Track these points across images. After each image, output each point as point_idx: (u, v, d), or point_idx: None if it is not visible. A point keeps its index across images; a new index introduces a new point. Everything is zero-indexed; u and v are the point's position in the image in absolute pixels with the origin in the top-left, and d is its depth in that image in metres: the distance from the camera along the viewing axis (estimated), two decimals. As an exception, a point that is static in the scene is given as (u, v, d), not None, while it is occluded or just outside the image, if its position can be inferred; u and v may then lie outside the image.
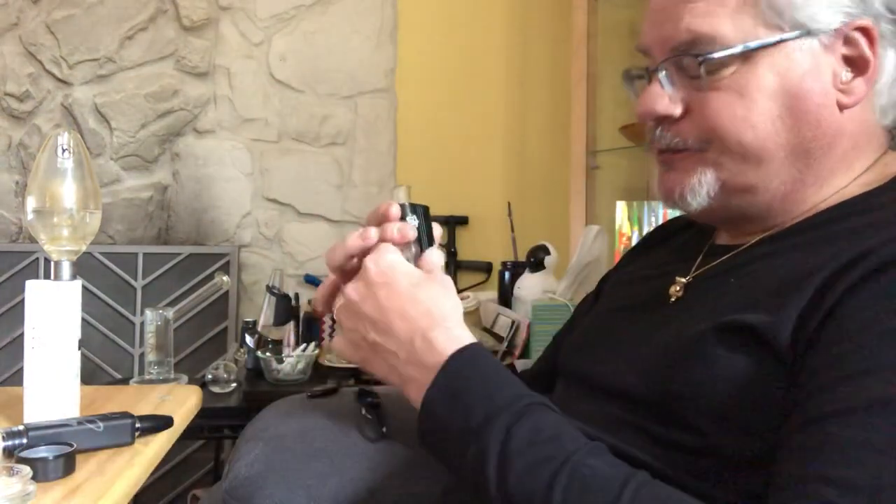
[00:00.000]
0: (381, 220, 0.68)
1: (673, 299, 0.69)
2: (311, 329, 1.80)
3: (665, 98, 0.65)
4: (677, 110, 0.65)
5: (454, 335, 0.60)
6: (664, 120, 0.66)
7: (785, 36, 0.60)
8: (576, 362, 0.75)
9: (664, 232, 0.87)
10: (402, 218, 0.68)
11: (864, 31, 0.61)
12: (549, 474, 0.49)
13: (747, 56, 0.61)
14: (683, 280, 0.70)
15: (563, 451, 0.50)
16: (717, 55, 0.61)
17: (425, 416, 0.57)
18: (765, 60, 0.61)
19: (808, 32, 0.60)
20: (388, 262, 0.64)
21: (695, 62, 0.62)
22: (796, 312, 0.53)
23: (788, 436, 0.50)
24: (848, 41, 0.61)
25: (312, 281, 2.12)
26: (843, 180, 0.64)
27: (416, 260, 0.68)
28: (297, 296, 1.77)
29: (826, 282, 0.53)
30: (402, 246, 0.67)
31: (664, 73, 0.65)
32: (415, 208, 0.69)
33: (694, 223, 0.78)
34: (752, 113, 0.61)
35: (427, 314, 0.61)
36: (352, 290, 0.64)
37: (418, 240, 0.68)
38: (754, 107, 0.61)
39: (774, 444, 0.51)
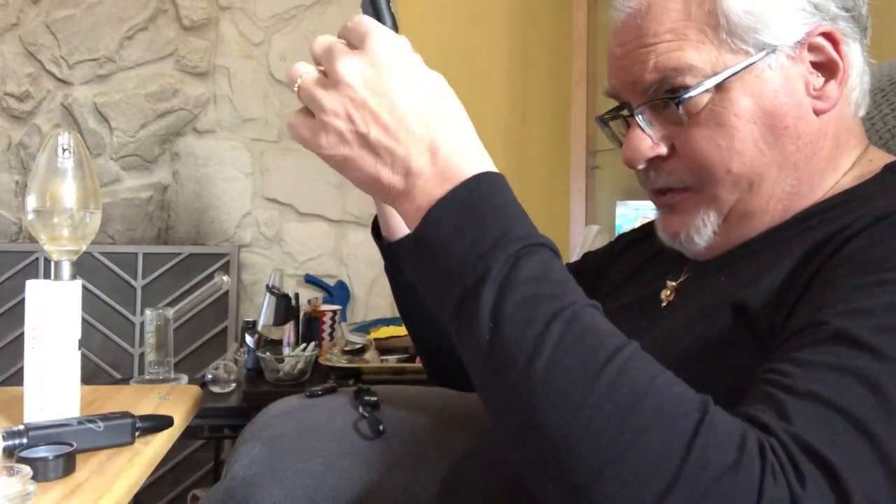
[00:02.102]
0: None
1: (664, 304, 0.69)
2: (311, 329, 1.81)
3: (647, 140, 0.65)
4: (663, 150, 0.65)
5: (482, 154, 0.52)
6: (653, 161, 0.66)
7: (751, 59, 0.61)
8: None
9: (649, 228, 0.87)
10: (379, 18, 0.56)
11: (827, 35, 0.62)
12: (551, 310, 0.45)
13: (719, 85, 0.61)
14: (674, 284, 0.70)
15: (568, 294, 0.47)
16: (690, 94, 0.61)
17: (427, 228, 0.49)
18: (736, 86, 0.61)
19: (773, 50, 0.61)
20: (400, 44, 0.52)
21: (671, 104, 0.62)
22: (775, 285, 0.55)
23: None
24: (813, 48, 0.62)
25: (312, 281, 2.12)
26: (830, 180, 0.65)
27: None
28: (297, 296, 1.77)
29: (806, 255, 0.54)
30: None
31: (641, 116, 0.65)
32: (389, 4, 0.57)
33: None
34: (735, 140, 0.61)
35: (452, 119, 0.52)
36: (349, 68, 0.50)
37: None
38: (736, 133, 0.61)
39: None
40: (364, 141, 0.51)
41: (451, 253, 0.48)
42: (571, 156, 1.90)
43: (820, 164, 0.64)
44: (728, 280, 0.62)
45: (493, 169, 0.51)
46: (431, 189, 0.50)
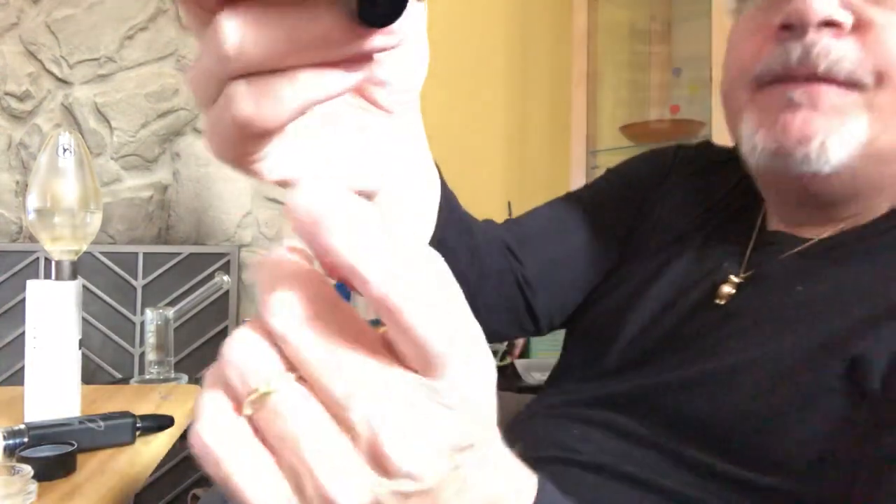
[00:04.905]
0: None
1: (723, 302, 0.56)
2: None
3: (834, 1, 0.48)
4: (847, 19, 0.49)
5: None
6: (822, 31, 0.49)
7: None
8: (614, 382, 0.59)
9: (705, 162, 0.70)
10: None
11: None
12: None
13: None
14: (736, 279, 0.56)
15: None
16: None
17: None
18: None
19: None
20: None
21: None
22: (892, 348, 0.44)
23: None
24: None
25: (312, 280, 2.13)
26: None
27: None
28: (297, 295, 1.78)
29: None
30: None
31: None
32: None
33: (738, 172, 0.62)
34: None
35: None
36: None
37: None
38: None
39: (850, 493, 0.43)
40: None
41: None
42: (571, 156, 1.90)
43: None
44: (807, 291, 0.51)
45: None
46: None
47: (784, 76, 0.50)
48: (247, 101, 0.25)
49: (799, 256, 0.54)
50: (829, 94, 0.49)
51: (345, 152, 0.30)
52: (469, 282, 0.55)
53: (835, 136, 0.49)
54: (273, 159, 0.29)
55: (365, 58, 0.25)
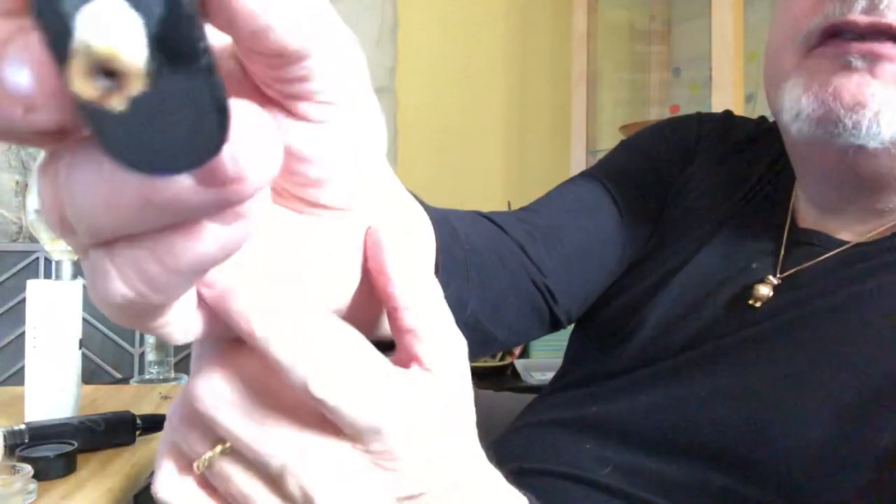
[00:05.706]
0: None
1: (759, 304, 0.51)
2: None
3: None
4: None
5: None
6: None
7: None
8: (626, 408, 0.52)
9: (730, 143, 0.64)
10: None
11: None
12: None
13: None
14: (774, 280, 0.51)
15: None
16: None
17: None
18: None
19: None
20: None
21: None
22: None
23: None
24: None
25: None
26: None
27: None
28: (297, 295, 1.77)
29: None
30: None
31: None
32: None
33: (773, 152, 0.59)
34: None
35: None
36: None
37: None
38: None
39: None
40: None
41: None
42: (571, 156, 1.90)
43: None
44: (857, 302, 0.47)
45: None
46: None
47: (843, 29, 0.44)
48: (110, 276, 0.18)
49: (841, 261, 0.50)
50: (892, 54, 0.43)
51: (286, 269, 0.24)
52: (484, 317, 0.52)
53: (892, 105, 0.44)
54: (187, 316, 0.22)
55: (231, 203, 0.17)
